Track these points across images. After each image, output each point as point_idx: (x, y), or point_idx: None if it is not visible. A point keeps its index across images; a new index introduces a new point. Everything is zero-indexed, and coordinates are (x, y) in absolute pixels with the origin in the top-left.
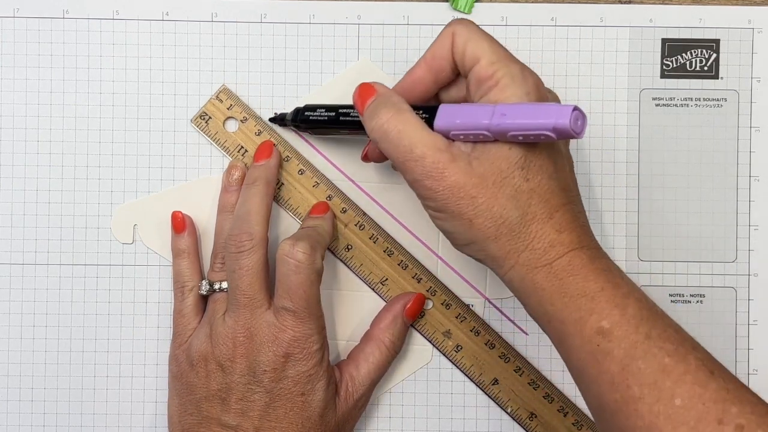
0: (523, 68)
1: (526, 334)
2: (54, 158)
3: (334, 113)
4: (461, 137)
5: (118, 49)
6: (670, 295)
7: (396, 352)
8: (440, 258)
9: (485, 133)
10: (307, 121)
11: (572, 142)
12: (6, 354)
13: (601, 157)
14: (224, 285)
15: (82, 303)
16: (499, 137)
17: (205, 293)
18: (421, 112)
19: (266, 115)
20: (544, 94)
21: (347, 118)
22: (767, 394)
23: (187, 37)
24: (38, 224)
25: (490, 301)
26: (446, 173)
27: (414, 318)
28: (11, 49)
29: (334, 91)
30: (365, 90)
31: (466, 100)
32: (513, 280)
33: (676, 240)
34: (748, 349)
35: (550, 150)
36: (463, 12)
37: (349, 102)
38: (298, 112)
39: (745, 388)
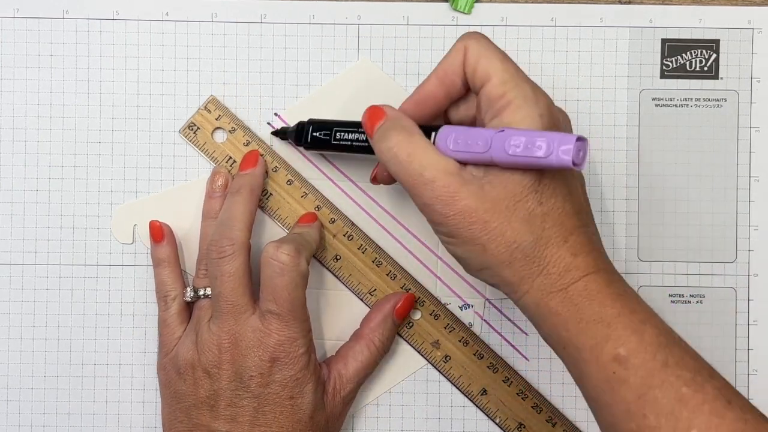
0: (535, 88)
1: (526, 334)
2: (54, 158)
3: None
4: (469, 161)
5: (117, 49)
6: (670, 296)
7: (384, 351)
8: (440, 258)
9: (483, 158)
10: (313, 140)
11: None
12: (6, 354)
13: (601, 157)
14: (209, 291)
15: (82, 303)
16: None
17: (190, 300)
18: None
19: (265, 117)
20: (555, 115)
21: (357, 142)
22: (767, 394)
23: (187, 37)
24: (38, 224)
25: (489, 302)
26: (457, 197)
27: (403, 318)
28: (11, 49)
29: (335, 91)
30: (374, 112)
31: (475, 117)
32: (528, 305)
33: (676, 240)
34: (748, 349)
35: (563, 172)
36: (463, 12)
37: (351, 117)
38: (301, 131)
39: (763, 418)
